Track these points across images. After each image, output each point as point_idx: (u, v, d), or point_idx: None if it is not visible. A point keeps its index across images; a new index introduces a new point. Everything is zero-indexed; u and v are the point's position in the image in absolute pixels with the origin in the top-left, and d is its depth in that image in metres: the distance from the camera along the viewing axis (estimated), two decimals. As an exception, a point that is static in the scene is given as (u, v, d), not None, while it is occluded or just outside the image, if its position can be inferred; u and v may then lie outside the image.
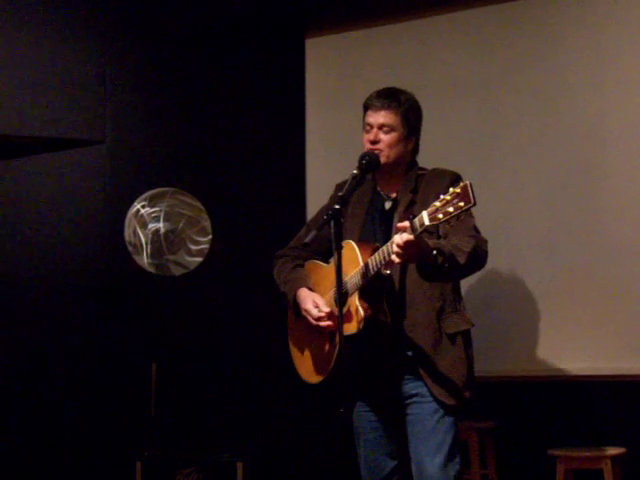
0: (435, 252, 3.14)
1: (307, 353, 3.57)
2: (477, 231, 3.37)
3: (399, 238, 3.06)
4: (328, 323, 3.39)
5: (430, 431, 3.34)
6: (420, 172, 3.52)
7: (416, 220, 3.03)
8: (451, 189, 2.97)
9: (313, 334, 3.50)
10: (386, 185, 3.53)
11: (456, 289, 3.47)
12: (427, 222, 2.99)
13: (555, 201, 4.81)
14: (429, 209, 3.00)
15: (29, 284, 5.27)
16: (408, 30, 5.22)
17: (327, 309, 3.40)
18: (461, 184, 2.96)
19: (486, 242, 3.35)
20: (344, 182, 3.49)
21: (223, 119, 5.47)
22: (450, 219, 2.96)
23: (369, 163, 3.36)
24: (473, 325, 3.47)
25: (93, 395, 5.18)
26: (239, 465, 4.71)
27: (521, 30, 4.96)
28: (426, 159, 3.61)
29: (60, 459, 5.16)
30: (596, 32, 4.77)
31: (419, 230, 3.02)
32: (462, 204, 2.92)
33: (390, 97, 3.46)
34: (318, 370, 3.49)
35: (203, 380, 5.21)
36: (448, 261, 3.17)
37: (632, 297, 4.59)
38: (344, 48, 5.39)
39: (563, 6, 4.87)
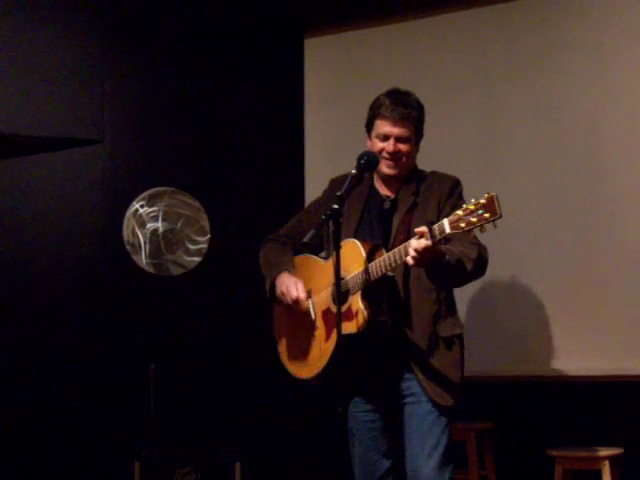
0: (447, 258, 3.15)
1: (297, 348, 3.55)
2: (476, 238, 3.37)
3: (417, 243, 3.06)
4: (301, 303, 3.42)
5: (426, 432, 3.34)
6: (421, 175, 3.51)
7: (436, 227, 3.04)
8: (473, 199, 2.99)
9: (302, 328, 3.49)
10: (384, 185, 3.52)
11: (450, 294, 3.47)
12: (448, 230, 3.01)
13: (555, 202, 4.80)
14: (451, 217, 3.01)
15: (27, 284, 5.26)
16: (408, 30, 5.22)
17: (303, 294, 3.42)
18: (486, 195, 2.97)
19: (486, 249, 3.36)
20: (339, 177, 3.50)
21: (222, 118, 5.47)
22: (472, 230, 2.98)
23: (368, 163, 3.33)
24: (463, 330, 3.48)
25: (91, 395, 5.17)
26: (237, 465, 4.71)
27: (521, 31, 4.95)
28: (425, 160, 3.61)
29: (59, 459, 5.15)
30: (596, 32, 4.77)
31: (438, 237, 3.04)
32: (487, 215, 2.95)
33: (406, 106, 3.42)
34: (310, 366, 3.47)
35: (201, 380, 5.21)
36: (457, 267, 3.19)
37: (630, 297, 4.59)
38: (343, 48, 5.38)
39: (563, 7, 4.87)
